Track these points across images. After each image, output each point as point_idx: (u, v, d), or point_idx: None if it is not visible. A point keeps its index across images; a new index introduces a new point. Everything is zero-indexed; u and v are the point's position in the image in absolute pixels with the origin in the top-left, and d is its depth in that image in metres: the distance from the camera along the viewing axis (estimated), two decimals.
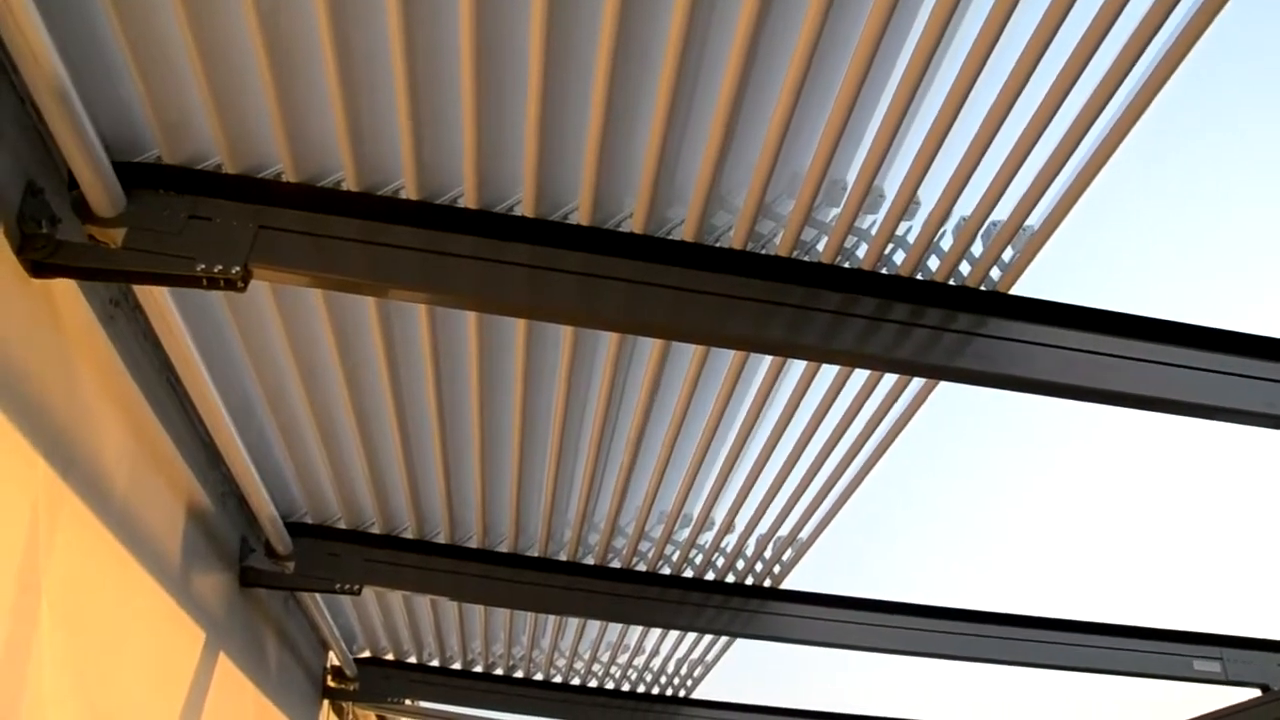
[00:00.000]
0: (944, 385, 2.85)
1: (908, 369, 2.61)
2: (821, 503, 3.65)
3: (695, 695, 6.18)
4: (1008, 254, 2.40)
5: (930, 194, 2.29)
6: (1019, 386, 2.47)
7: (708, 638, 5.32)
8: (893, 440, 3.22)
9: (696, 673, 5.89)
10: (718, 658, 5.64)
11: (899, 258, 2.47)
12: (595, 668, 6.02)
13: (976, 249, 2.42)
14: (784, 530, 3.92)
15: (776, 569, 4.22)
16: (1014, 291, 2.49)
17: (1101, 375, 2.45)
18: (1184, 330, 2.53)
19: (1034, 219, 2.30)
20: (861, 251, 2.47)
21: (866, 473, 3.42)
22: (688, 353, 2.90)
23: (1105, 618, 4.58)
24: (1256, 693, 4.65)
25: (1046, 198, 2.21)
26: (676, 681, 6.08)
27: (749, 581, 4.32)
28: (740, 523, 3.89)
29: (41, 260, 2.12)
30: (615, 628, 5.41)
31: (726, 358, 2.94)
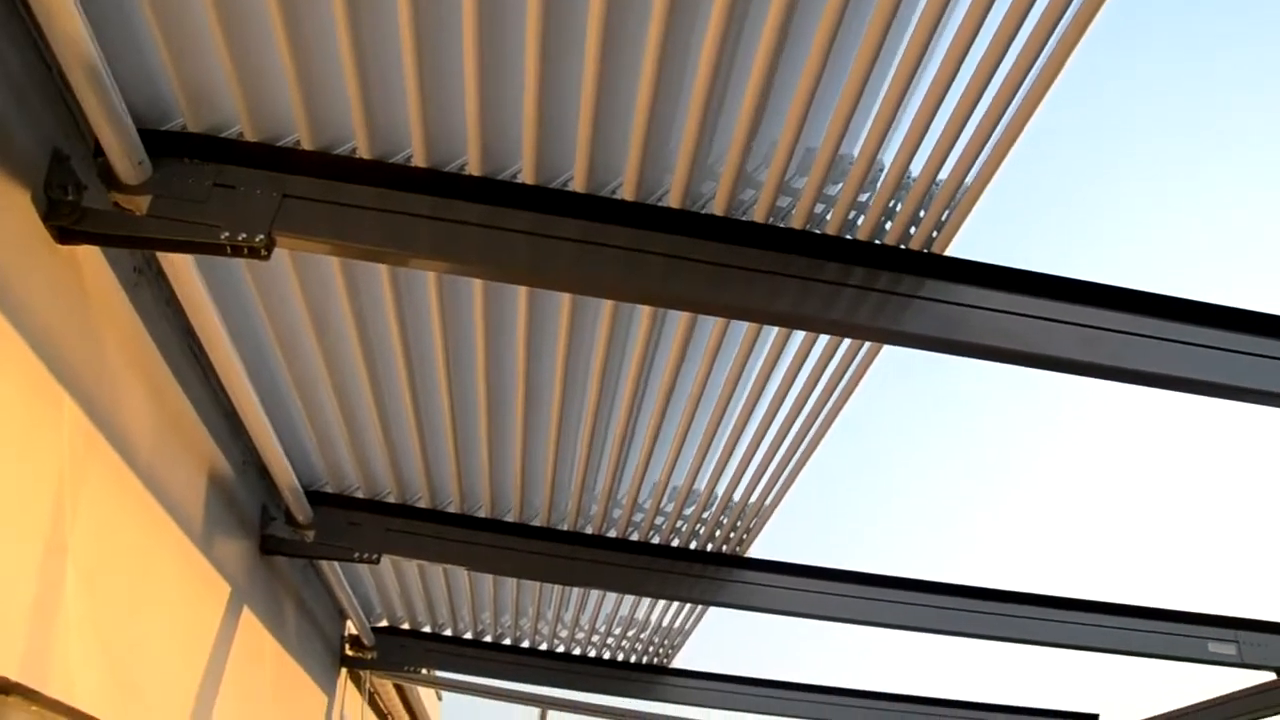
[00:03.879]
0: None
1: (865, 334, 2.67)
2: (789, 463, 3.73)
3: (675, 664, 6.33)
4: (946, 215, 2.44)
5: (887, 157, 2.35)
6: (962, 351, 2.50)
7: (688, 606, 5.40)
8: (847, 398, 3.28)
9: (678, 641, 6.00)
10: (694, 626, 5.75)
11: (860, 221, 2.51)
12: (594, 638, 6.14)
13: (921, 211, 2.45)
14: (758, 491, 3.99)
15: (745, 536, 4.30)
16: (971, 257, 2.53)
17: (1055, 342, 2.47)
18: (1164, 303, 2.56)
19: (969, 177, 2.34)
20: (829, 216, 2.50)
21: (825, 431, 3.49)
22: (674, 324, 2.96)
23: (1120, 598, 4.59)
24: (1271, 676, 4.65)
25: (983, 155, 2.27)
26: (662, 651, 6.19)
27: (724, 550, 4.40)
28: (720, 488, 3.96)
29: (68, 227, 2.15)
30: (611, 598, 5.51)
31: (709, 328, 2.99)
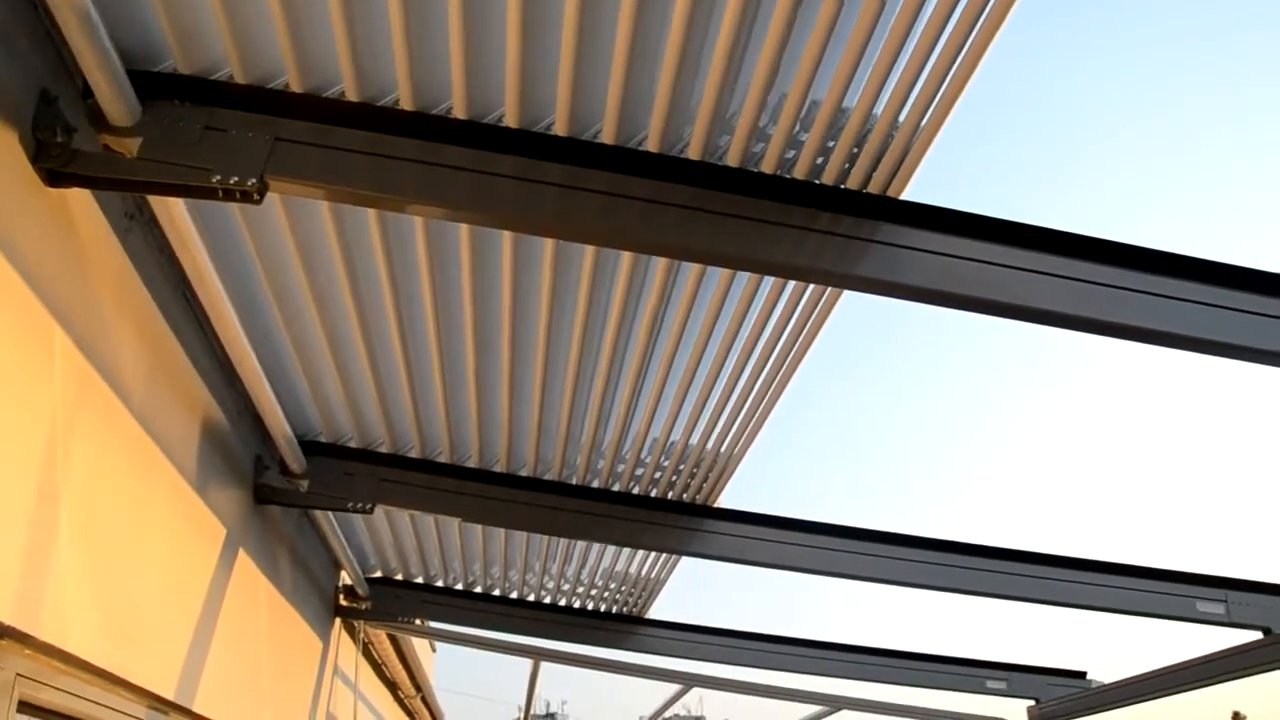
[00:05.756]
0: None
1: (829, 279, 2.64)
2: (755, 412, 3.75)
3: (650, 615, 6.42)
4: (903, 158, 2.42)
5: (852, 101, 2.34)
6: (919, 296, 2.48)
7: (664, 556, 5.44)
8: (811, 342, 3.28)
9: (654, 591, 6.06)
10: (668, 576, 5.80)
11: (828, 165, 2.49)
12: (579, 589, 6.21)
13: (881, 155, 2.44)
14: (728, 439, 4.00)
15: (716, 485, 4.32)
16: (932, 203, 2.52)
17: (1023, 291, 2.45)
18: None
19: (924, 119, 2.34)
20: (798, 160, 2.49)
21: (789, 377, 3.50)
22: (653, 274, 2.97)
23: (1110, 557, 4.61)
24: (1259, 635, 4.69)
25: (938, 96, 2.26)
26: (640, 602, 6.26)
27: (697, 500, 4.43)
28: (695, 437, 3.97)
29: (58, 169, 2.12)
30: (595, 550, 5.55)
31: (685, 279, 2.99)
